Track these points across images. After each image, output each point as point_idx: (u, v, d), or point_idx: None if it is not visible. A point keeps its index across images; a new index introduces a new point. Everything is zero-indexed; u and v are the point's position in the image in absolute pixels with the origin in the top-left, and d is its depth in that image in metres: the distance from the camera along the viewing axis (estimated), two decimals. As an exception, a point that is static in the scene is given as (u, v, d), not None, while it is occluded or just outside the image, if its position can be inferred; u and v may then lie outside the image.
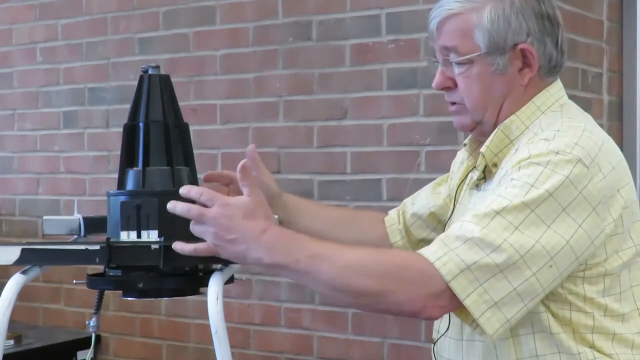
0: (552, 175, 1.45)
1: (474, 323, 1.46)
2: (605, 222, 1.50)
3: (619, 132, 2.99)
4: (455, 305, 1.45)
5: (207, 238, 1.48)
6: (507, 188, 1.48)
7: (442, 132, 2.64)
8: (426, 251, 1.46)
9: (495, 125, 1.62)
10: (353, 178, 2.80)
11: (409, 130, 2.70)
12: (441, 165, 2.57)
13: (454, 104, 1.65)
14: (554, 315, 1.52)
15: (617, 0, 3.01)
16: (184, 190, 1.50)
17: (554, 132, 1.52)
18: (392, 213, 1.98)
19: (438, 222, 1.90)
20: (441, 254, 1.43)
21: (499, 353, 1.55)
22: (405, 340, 2.70)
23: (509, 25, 1.58)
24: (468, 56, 1.59)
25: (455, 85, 1.62)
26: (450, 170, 1.91)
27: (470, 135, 1.74)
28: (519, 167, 1.49)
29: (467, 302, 1.42)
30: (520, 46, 1.59)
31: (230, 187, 1.82)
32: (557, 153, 1.47)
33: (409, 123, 2.70)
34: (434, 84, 1.65)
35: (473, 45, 1.59)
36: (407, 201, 1.97)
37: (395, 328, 2.72)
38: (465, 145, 1.76)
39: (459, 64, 1.60)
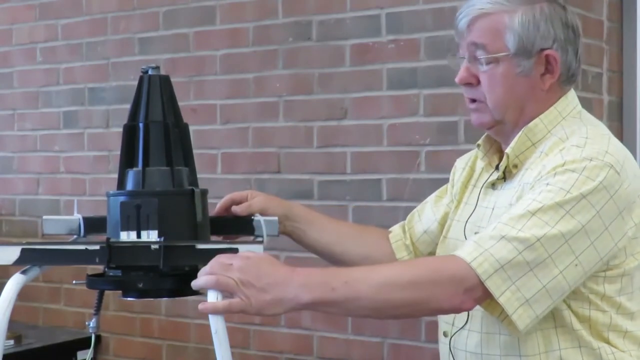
0: (587, 181, 1.52)
1: (501, 316, 1.52)
2: (628, 226, 1.56)
3: (619, 132, 2.98)
4: (488, 297, 1.50)
5: (236, 290, 1.46)
6: (542, 192, 1.53)
7: (442, 132, 2.64)
8: (462, 252, 1.51)
9: (516, 126, 1.67)
10: (353, 178, 2.80)
11: (409, 130, 2.70)
12: (441, 165, 2.57)
13: (474, 101, 1.69)
14: (576, 313, 1.58)
15: (617, 0, 3.01)
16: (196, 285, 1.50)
17: (584, 140, 1.59)
18: (396, 229, 2.00)
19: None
20: (477, 255, 1.49)
21: (522, 346, 1.60)
22: (405, 340, 2.70)
23: (537, 31, 1.64)
24: (496, 55, 1.63)
25: (478, 82, 1.66)
26: (450, 179, 1.94)
27: (483, 136, 1.79)
28: (555, 174, 1.54)
29: (502, 300, 1.48)
30: (546, 52, 1.64)
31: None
32: (591, 160, 1.54)
33: (409, 123, 2.70)
34: (457, 79, 1.68)
35: (502, 45, 1.63)
36: (414, 217, 1.99)
37: (395, 328, 2.72)
38: (479, 146, 1.80)
39: (486, 61, 1.64)
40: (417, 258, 1.91)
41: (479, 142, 1.80)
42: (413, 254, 1.95)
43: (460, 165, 1.92)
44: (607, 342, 1.60)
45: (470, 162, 1.88)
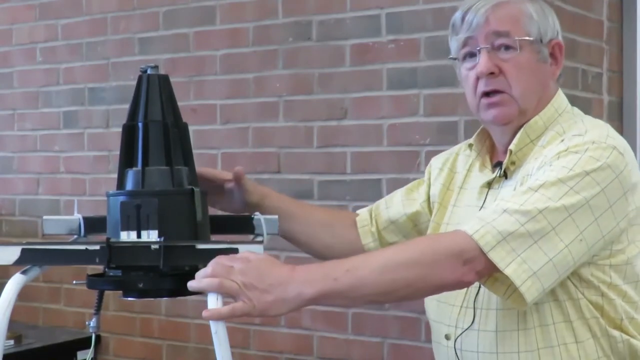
0: (590, 160, 1.54)
1: (506, 293, 1.53)
2: (630, 208, 1.59)
3: (619, 132, 2.97)
4: (491, 270, 1.51)
5: (240, 293, 1.45)
6: (545, 172, 1.55)
7: (442, 132, 2.64)
8: (464, 227, 1.52)
9: (531, 117, 1.70)
10: (353, 178, 2.80)
11: (409, 130, 2.70)
12: (441, 165, 2.57)
13: (490, 95, 1.69)
14: (590, 301, 1.61)
15: (617, 0, 3.01)
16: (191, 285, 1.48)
17: (584, 129, 1.62)
18: (364, 213, 2.00)
19: (414, 226, 1.94)
20: (478, 227, 1.50)
21: (539, 339, 1.61)
22: (405, 340, 2.70)
23: (547, 20, 1.70)
24: (521, 38, 1.66)
25: (499, 72, 1.67)
26: (426, 178, 1.95)
27: (475, 136, 1.81)
28: (558, 157, 1.57)
29: (508, 271, 1.48)
30: (554, 41, 1.71)
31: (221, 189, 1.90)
32: (593, 142, 1.57)
33: (409, 123, 2.70)
34: (483, 68, 1.67)
35: (523, 32, 1.67)
36: (381, 204, 1.99)
37: (395, 328, 2.72)
38: (470, 146, 1.81)
39: (510, 47, 1.66)
40: (417, 237, 1.89)
41: (471, 141, 1.81)
42: (378, 242, 1.95)
43: (437, 165, 1.93)
44: (620, 328, 1.63)
45: (449, 164, 1.89)
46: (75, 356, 3.19)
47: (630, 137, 2.98)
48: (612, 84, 2.97)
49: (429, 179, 1.93)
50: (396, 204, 1.96)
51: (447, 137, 2.62)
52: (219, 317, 1.44)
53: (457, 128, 2.61)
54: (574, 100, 2.66)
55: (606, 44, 2.94)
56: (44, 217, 1.82)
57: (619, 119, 3.01)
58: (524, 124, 1.69)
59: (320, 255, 1.98)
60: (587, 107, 2.76)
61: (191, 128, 1.73)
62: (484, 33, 1.67)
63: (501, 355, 1.63)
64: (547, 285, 1.51)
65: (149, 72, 1.67)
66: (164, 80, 1.68)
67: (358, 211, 2.03)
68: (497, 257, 1.48)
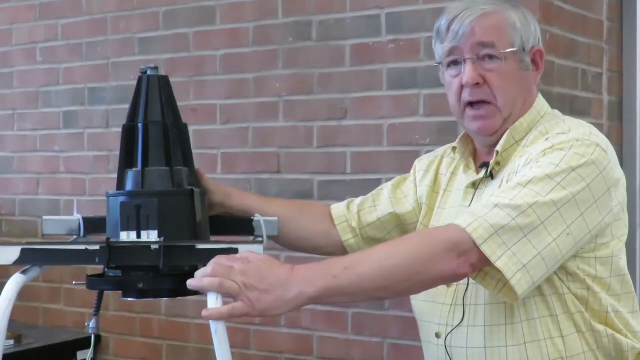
0: (575, 156, 1.58)
1: (497, 288, 1.56)
2: (613, 203, 1.63)
3: (619, 132, 2.98)
4: (484, 263, 1.53)
5: (240, 294, 1.45)
6: (532, 169, 1.59)
7: (442, 132, 2.64)
8: (457, 221, 1.55)
9: (513, 123, 1.73)
10: (353, 178, 2.80)
11: (409, 130, 2.70)
12: (441, 165, 2.57)
13: (475, 105, 1.72)
14: (575, 295, 1.64)
15: (617, 0, 3.01)
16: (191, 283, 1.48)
17: (568, 128, 1.66)
18: (340, 209, 2.00)
19: (399, 224, 1.95)
20: (471, 221, 1.53)
21: (526, 334, 1.64)
22: (405, 340, 2.70)
23: (530, 29, 1.74)
24: (506, 50, 1.70)
25: (484, 82, 1.71)
26: (413, 178, 1.96)
27: (458, 139, 1.84)
28: (544, 154, 1.60)
29: (499, 264, 1.51)
30: (536, 48, 1.75)
31: None
32: (578, 140, 1.61)
33: (409, 123, 2.71)
34: (468, 79, 1.71)
35: (507, 42, 1.71)
36: (367, 202, 2.00)
37: (395, 328, 2.72)
38: (454, 149, 1.84)
39: (495, 58, 1.70)
40: (411, 233, 1.89)
41: (455, 144, 1.84)
42: (360, 237, 1.96)
43: (422, 167, 1.95)
44: (605, 323, 1.66)
45: (435, 167, 1.92)
46: (75, 356, 3.19)
47: (630, 137, 2.98)
48: (612, 84, 2.97)
49: (415, 180, 1.95)
50: (384, 202, 1.97)
51: (447, 137, 2.62)
52: (219, 317, 1.45)
53: (457, 128, 2.60)
54: (574, 100, 2.68)
55: (606, 44, 2.94)
56: (44, 217, 1.82)
57: (619, 119, 3.01)
58: (509, 126, 1.73)
59: (294, 247, 2.00)
60: (587, 107, 2.76)
61: (191, 128, 1.73)
62: (469, 44, 1.70)
63: (489, 349, 1.66)
64: (537, 278, 1.54)
65: (148, 73, 1.68)
66: (164, 81, 1.68)
67: (332, 206, 2.02)
68: (489, 250, 1.51)
